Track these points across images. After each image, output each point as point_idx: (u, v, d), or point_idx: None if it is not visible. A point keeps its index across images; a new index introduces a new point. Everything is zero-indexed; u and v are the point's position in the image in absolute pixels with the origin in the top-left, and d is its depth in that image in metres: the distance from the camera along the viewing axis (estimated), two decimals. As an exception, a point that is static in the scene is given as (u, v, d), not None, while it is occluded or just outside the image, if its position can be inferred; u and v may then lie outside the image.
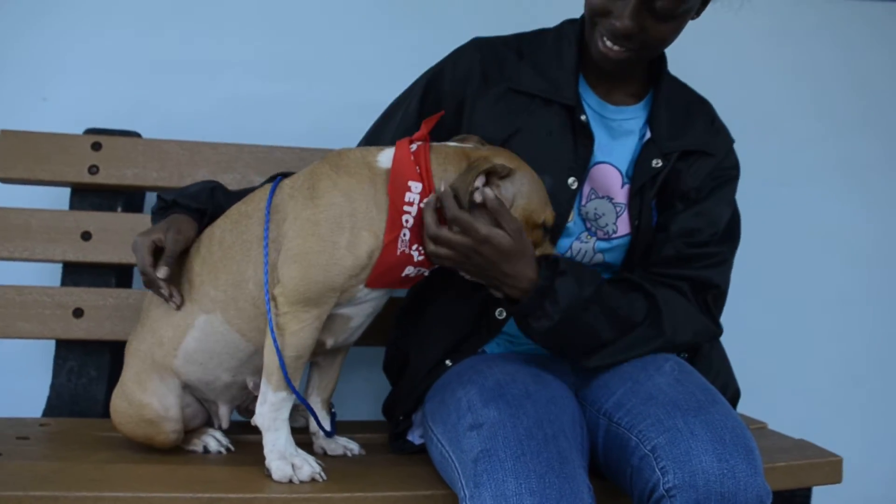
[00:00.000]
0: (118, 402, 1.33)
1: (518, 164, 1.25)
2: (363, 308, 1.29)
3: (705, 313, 1.38)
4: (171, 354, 1.31)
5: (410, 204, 1.20)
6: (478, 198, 1.19)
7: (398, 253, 1.20)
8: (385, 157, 1.24)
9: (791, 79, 2.10)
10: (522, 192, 1.23)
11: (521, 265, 1.22)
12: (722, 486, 1.07)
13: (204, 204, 1.35)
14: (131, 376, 1.32)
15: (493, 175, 1.21)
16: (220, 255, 1.28)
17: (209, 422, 1.43)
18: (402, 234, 1.20)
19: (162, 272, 1.26)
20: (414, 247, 1.21)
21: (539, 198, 1.25)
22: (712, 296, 1.38)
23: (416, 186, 1.20)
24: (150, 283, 1.27)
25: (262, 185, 1.36)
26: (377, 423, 1.64)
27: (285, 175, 1.32)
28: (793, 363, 2.08)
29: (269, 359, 1.22)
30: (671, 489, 1.09)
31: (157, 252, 1.27)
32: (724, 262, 1.41)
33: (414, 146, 1.23)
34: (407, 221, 1.20)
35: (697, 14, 1.34)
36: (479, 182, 1.20)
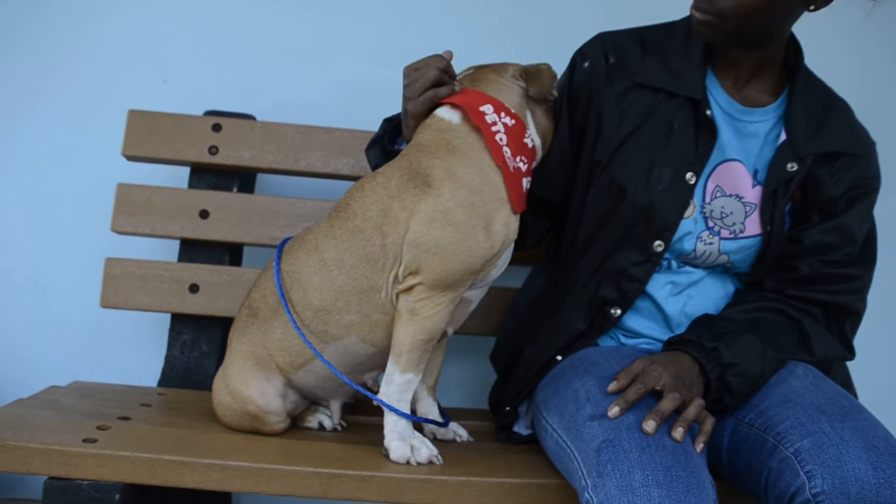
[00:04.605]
0: (222, 396, 1.33)
1: (541, 64, 1.32)
2: (482, 291, 1.31)
3: (841, 338, 1.37)
4: (290, 371, 1.30)
5: (494, 123, 1.24)
6: (556, 93, 1.32)
7: (511, 170, 1.23)
8: (445, 113, 1.27)
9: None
10: (553, 75, 1.32)
11: (684, 370, 1.20)
12: (878, 496, 1.04)
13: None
14: (236, 372, 1.31)
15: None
16: (344, 279, 1.24)
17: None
18: (505, 153, 1.23)
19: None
20: (517, 158, 1.25)
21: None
22: (851, 322, 1.37)
23: (488, 108, 1.25)
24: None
25: (348, 191, 1.33)
26: (480, 411, 1.65)
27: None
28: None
29: (399, 341, 1.23)
30: (818, 494, 1.06)
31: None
32: (865, 287, 1.38)
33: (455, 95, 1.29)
34: (501, 140, 1.23)
35: (815, 4, 1.26)
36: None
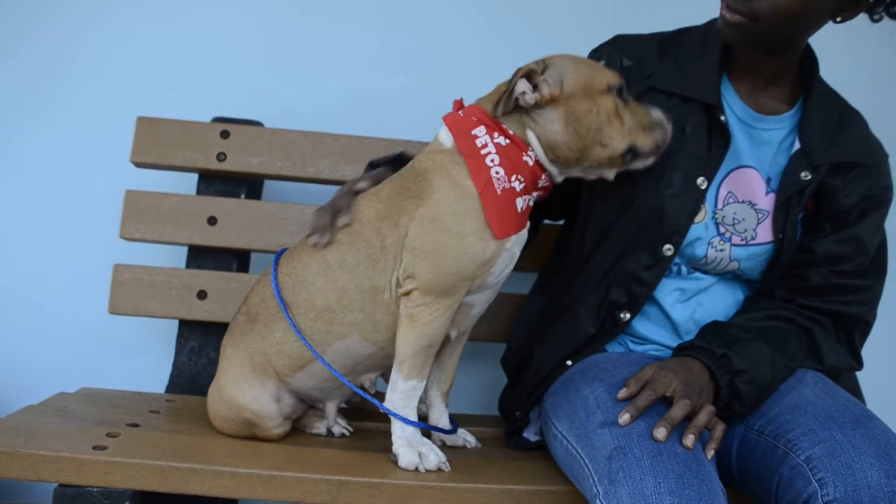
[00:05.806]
0: (217, 406, 1.33)
1: (554, 56, 1.26)
2: (485, 295, 1.31)
3: (850, 348, 1.37)
4: (288, 374, 1.31)
5: (485, 146, 1.23)
6: (529, 100, 1.22)
7: (499, 191, 1.22)
8: (442, 134, 1.28)
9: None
10: (566, 70, 1.24)
11: (694, 377, 1.20)
12: None
13: (394, 160, 1.40)
14: (230, 380, 1.32)
15: (534, 75, 1.22)
16: (347, 278, 1.26)
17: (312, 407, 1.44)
18: (493, 174, 1.21)
19: (343, 220, 1.28)
20: (513, 178, 1.23)
21: (587, 66, 1.27)
22: (860, 332, 1.37)
23: (479, 130, 1.24)
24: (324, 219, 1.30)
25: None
26: (489, 417, 1.65)
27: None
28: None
29: (402, 349, 1.23)
30: (831, 502, 1.06)
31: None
32: (875, 299, 1.38)
33: (460, 112, 1.29)
34: (493, 161, 1.22)
35: (842, 16, 1.28)
36: (523, 86, 1.22)
